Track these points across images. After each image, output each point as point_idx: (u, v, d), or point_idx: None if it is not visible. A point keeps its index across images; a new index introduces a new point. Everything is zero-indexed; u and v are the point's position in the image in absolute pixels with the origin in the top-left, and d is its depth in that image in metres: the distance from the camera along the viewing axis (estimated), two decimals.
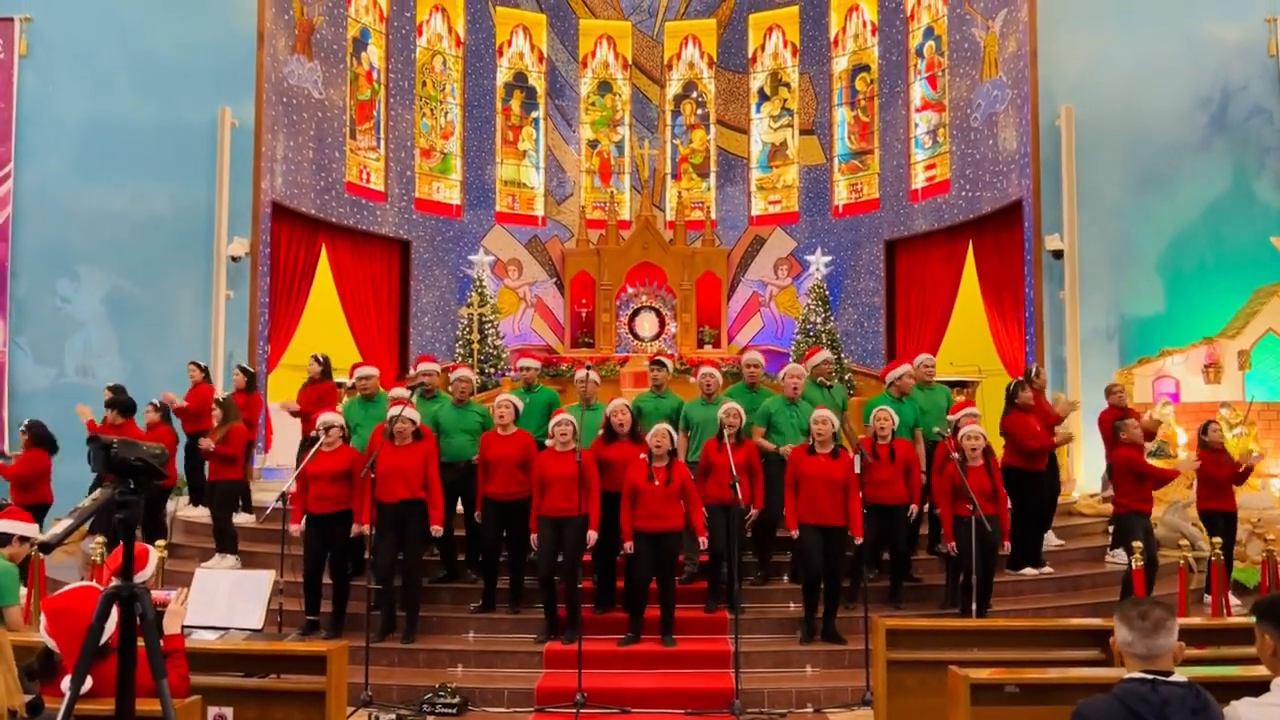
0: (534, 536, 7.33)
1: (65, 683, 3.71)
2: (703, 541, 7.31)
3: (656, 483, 7.08)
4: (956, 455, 7.34)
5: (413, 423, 7.40)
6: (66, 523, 2.52)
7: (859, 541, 7.23)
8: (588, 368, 8.60)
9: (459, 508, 8.23)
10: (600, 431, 7.78)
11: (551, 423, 7.53)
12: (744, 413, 7.75)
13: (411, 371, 9.41)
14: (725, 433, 7.48)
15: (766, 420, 8.18)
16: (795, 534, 7.27)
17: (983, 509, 7.07)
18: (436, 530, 7.40)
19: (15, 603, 5.00)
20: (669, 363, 9.20)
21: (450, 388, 8.32)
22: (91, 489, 9.58)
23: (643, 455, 7.22)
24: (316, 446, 7.47)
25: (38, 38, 12.61)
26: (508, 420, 7.69)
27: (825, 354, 9.02)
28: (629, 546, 7.13)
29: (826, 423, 7.29)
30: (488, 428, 8.05)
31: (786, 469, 7.40)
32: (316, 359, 9.83)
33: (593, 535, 7.21)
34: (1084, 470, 11.21)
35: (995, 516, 7.28)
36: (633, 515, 7.11)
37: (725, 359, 13.91)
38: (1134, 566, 7.21)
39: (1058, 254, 12.03)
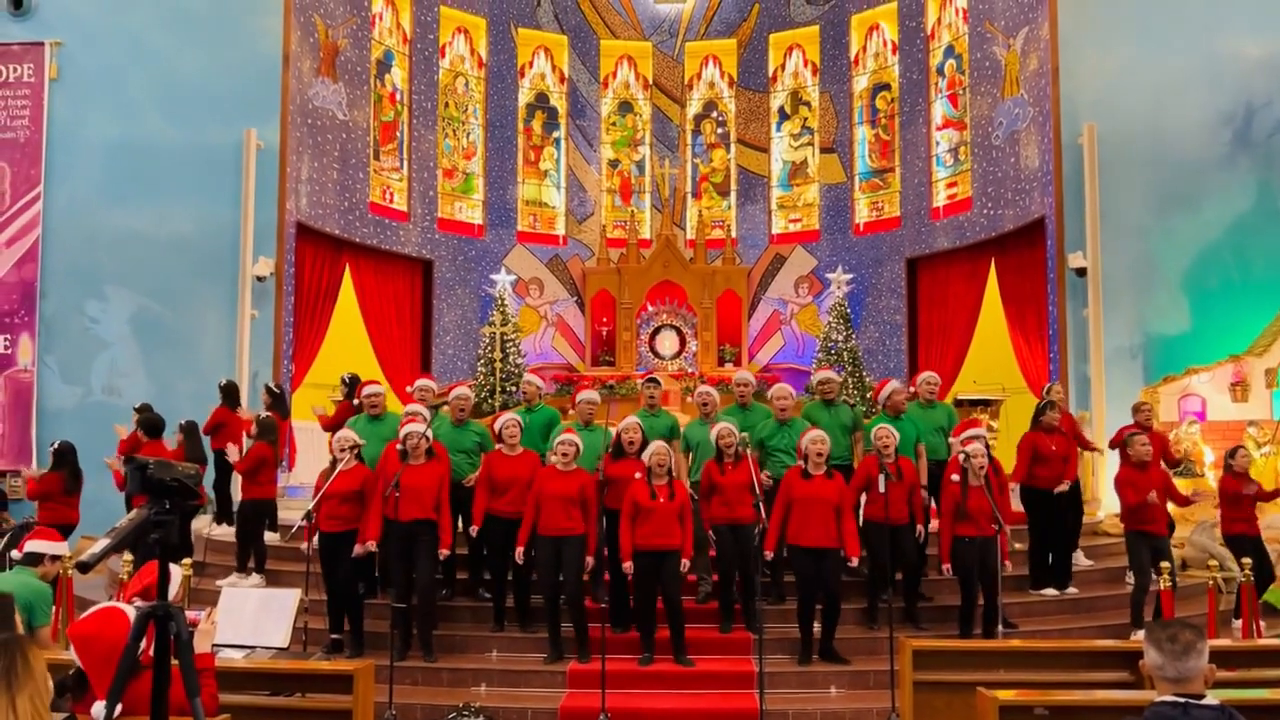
0: (519, 550, 7.32)
1: (96, 707, 3.74)
2: (685, 563, 7.22)
3: (660, 500, 7.08)
4: (956, 477, 7.30)
5: (427, 439, 7.42)
6: (104, 543, 2.55)
7: (854, 563, 7.21)
8: (604, 388, 8.61)
9: (459, 525, 8.22)
10: (608, 450, 7.77)
11: (555, 440, 7.53)
12: (737, 430, 7.71)
13: (409, 389, 9.43)
14: (724, 453, 7.48)
15: (760, 444, 8.14)
16: (770, 555, 7.27)
17: (984, 529, 7.04)
18: (444, 553, 7.41)
19: (47, 623, 5.05)
20: (662, 380, 9.18)
21: (449, 406, 8.32)
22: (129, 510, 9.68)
23: (638, 474, 7.22)
24: (339, 466, 7.50)
25: (68, 62, 12.81)
26: (516, 439, 7.70)
27: (826, 373, 8.95)
28: (628, 566, 7.12)
29: (820, 443, 7.27)
30: (486, 448, 8.06)
31: (779, 491, 7.38)
32: (343, 380, 9.95)
33: (590, 561, 7.21)
34: (1108, 490, 11.10)
35: (994, 537, 7.20)
36: (633, 533, 7.11)
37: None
38: (1163, 586, 7.15)
39: (1081, 272, 11.97)
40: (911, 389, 8.88)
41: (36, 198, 12.64)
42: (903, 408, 8.41)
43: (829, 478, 7.24)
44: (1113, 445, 9.40)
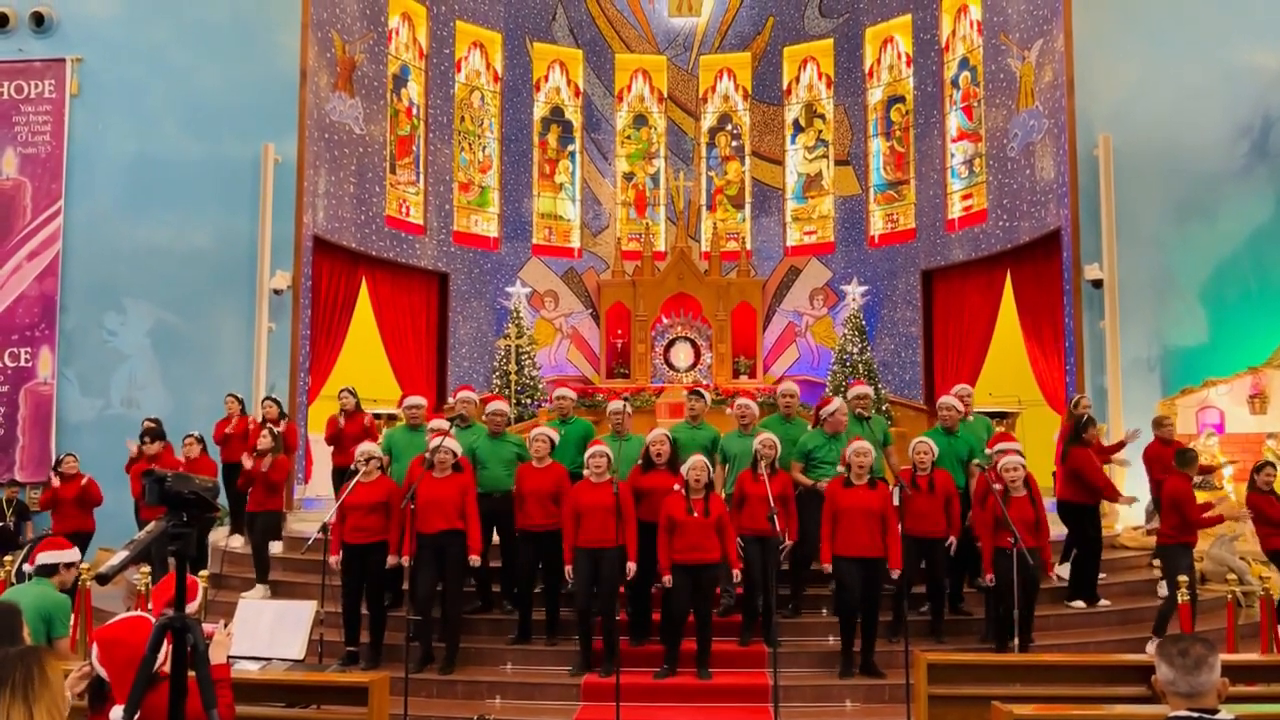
0: (569, 568, 7.33)
1: (115, 713, 3.77)
2: (736, 574, 7.26)
3: (695, 514, 7.07)
4: (998, 487, 7.27)
5: (454, 454, 7.45)
6: (123, 554, 2.58)
7: (896, 574, 7.17)
8: (625, 399, 8.63)
9: (495, 538, 8.25)
10: (638, 461, 7.79)
11: (587, 454, 7.55)
12: (779, 443, 7.72)
13: (450, 400, 9.49)
14: (760, 463, 7.47)
15: (805, 456, 8.13)
16: (827, 568, 7.21)
17: (1025, 541, 6.99)
18: (474, 560, 7.42)
19: (66, 634, 5.09)
20: (706, 393, 9.17)
21: (486, 419, 8.36)
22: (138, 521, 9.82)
23: (677, 487, 7.22)
24: (355, 478, 7.54)
25: (89, 78, 12.96)
26: (543, 453, 7.72)
27: (863, 388, 8.97)
28: (667, 580, 7.11)
29: (865, 455, 7.26)
30: (524, 459, 8.08)
31: (824, 503, 7.36)
32: (349, 392, 10.07)
33: (632, 568, 7.21)
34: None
35: (1037, 549, 7.19)
36: (670, 548, 7.10)
37: (761, 389, 13.91)
38: (1180, 600, 7.10)
39: (1097, 283, 11.92)
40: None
41: (57, 212, 12.77)
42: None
43: (872, 488, 7.23)
44: (1148, 464, 9.34)
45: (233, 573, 9.39)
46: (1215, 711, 2.77)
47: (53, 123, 12.92)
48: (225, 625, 3.48)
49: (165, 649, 2.90)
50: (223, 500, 10.25)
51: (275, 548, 9.31)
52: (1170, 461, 8.32)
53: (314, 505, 11.96)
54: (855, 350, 14.73)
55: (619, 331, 16.36)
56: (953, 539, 7.66)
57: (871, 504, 7.15)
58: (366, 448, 7.69)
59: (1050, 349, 13.03)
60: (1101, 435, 10.82)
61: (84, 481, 9.86)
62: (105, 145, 12.85)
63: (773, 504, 6.96)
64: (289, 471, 9.04)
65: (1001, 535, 7.15)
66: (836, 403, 8.42)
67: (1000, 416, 10.71)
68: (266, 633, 6.39)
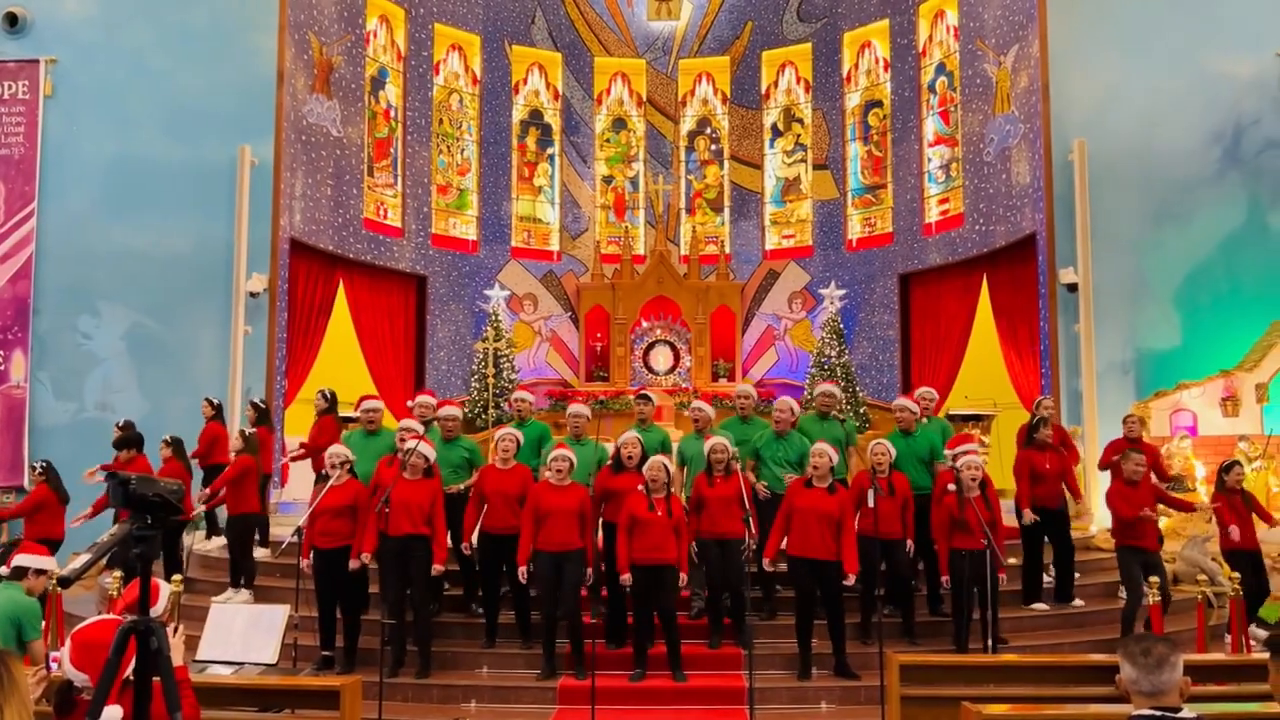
0: (522, 570, 7.31)
1: (110, 712, 3.73)
2: (683, 577, 7.24)
3: (658, 513, 7.08)
4: (953, 487, 7.33)
5: (426, 459, 7.43)
6: (85, 557, 2.57)
7: (851, 579, 7.19)
8: (601, 403, 8.64)
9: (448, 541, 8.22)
10: (607, 463, 7.80)
11: (549, 456, 7.55)
12: (731, 445, 7.73)
13: (409, 404, 9.46)
14: (715, 467, 7.49)
15: (754, 454, 8.15)
16: (768, 566, 7.32)
17: (978, 541, 7.07)
18: (437, 569, 7.40)
19: (37, 637, 5.05)
20: (654, 396, 9.20)
21: (439, 423, 8.35)
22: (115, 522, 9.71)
23: (640, 487, 7.23)
24: (330, 482, 7.51)
25: (63, 79, 12.85)
26: (510, 454, 7.71)
27: (825, 386, 9.00)
28: (626, 578, 7.12)
29: (824, 456, 7.29)
30: (474, 463, 8.08)
31: (782, 501, 7.39)
32: (324, 395, 9.99)
33: (590, 573, 7.21)
34: (1101, 504, 11.11)
35: (986, 550, 7.20)
36: (630, 547, 7.11)
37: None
38: (1150, 601, 7.16)
39: (1072, 287, 12.02)
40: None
41: (31, 214, 12.66)
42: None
43: (831, 491, 7.25)
44: (1103, 466, 9.43)
45: (205, 577, 9.32)
46: (1178, 710, 2.79)
47: (26, 124, 12.81)
48: (177, 628, 3.46)
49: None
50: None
51: (259, 553, 9.25)
52: None
53: (291, 509, 11.89)
54: (833, 353, 14.78)
55: (598, 335, 16.37)
56: (910, 541, 7.73)
57: (828, 507, 7.17)
58: (337, 450, 7.65)
59: (1026, 352, 13.12)
60: (1075, 438, 10.93)
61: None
62: (80, 147, 12.75)
63: (746, 506, 6.99)
64: (244, 469, 8.92)
65: (957, 536, 7.22)
66: (777, 401, 8.46)
67: (975, 419, 10.78)
68: (239, 637, 6.36)
